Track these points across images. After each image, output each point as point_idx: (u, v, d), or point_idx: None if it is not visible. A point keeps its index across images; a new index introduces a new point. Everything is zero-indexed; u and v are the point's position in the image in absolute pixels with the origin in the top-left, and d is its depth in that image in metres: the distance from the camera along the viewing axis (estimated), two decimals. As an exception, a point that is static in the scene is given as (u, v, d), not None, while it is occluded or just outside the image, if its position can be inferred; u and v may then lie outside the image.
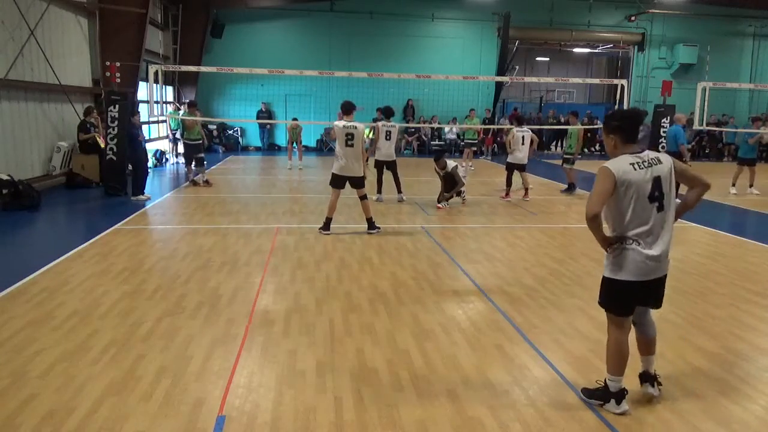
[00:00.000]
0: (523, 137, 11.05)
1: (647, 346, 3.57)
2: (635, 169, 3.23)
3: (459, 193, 10.54)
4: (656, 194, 3.24)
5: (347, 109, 8.03)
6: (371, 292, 5.58)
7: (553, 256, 7.09)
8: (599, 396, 3.48)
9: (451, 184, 10.24)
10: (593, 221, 3.25)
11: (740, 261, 7.04)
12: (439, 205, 10.20)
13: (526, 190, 11.28)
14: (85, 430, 3.11)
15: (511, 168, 11.21)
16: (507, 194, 11.32)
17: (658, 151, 3.43)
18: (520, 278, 6.14)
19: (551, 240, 7.98)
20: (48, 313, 4.78)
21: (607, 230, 3.39)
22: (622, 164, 3.25)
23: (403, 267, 6.46)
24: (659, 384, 3.60)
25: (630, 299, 3.38)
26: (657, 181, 3.24)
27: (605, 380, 3.47)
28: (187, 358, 4.02)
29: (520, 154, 11.05)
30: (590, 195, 3.29)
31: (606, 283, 3.43)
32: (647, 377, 3.59)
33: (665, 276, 3.41)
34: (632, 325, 3.51)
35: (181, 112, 16.49)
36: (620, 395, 3.41)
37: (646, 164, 3.25)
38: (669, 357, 4.15)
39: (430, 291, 5.67)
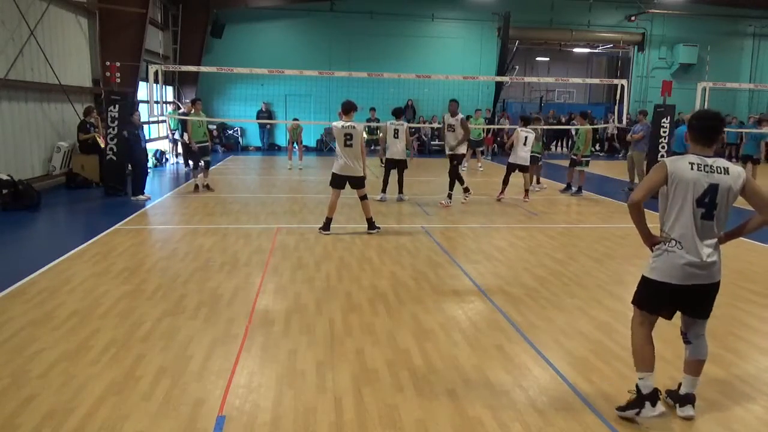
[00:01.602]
0: (526, 138, 11.03)
1: (695, 367, 3.41)
2: (692, 169, 3.19)
3: (465, 192, 10.62)
4: (706, 200, 3.17)
5: (347, 108, 8.03)
6: (371, 292, 5.58)
7: (553, 256, 7.09)
8: (633, 405, 3.32)
9: (454, 173, 10.31)
10: (633, 207, 3.27)
11: (740, 261, 7.03)
12: (442, 201, 10.24)
13: (526, 191, 11.27)
14: (85, 430, 3.11)
15: (511, 168, 11.20)
16: (501, 192, 11.30)
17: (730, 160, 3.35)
18: (520, 278, 6.14)
19: (551, 240, 7.98)
20: (48, 313, 4.78)
21: (656, 230, 3.38)
22: (680, 161, 3.23)
23: (403, 267, 6.46)
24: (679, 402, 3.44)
25: (662, 300, 3.34)
26: (712, 189, 3.17)
27: (636, 386, 3.35)
28: (187, 358, 4.02)
29: (524, 153, 11.03)
30: (639, 183, 3.34)
31: (642, 281, 3.41)
32: (688, 398, 3.40)
33: (712, 286, 3.30)
34: (684, 344, 3.44)
35: (181, 111, 16.48)
36: (653, 396, 3.29)
37: (707, 168, 3.18)
38: (668, 357, 4.15)
39: (430, 291, 5.67)
